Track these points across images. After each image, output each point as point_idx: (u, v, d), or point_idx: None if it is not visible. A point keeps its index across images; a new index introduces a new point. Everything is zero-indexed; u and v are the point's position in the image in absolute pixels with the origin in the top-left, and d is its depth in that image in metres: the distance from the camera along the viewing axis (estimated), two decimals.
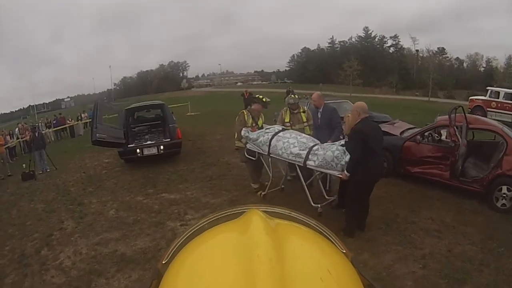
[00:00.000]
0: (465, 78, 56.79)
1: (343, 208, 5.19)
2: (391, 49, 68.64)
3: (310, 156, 5.01)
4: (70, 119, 22.84)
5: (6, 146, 13.56)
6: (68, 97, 71.84)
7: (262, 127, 6.31)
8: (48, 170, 10.41)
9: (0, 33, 69.27)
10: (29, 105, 61.14)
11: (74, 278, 4.28)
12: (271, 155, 5.60)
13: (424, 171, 6.58)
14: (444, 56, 61.13)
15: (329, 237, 1.40)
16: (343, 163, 4.59)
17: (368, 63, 58.89)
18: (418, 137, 6.86)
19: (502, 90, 19.78)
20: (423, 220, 5.14)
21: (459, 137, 6.07)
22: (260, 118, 6.40)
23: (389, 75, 56.86)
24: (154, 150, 9.08)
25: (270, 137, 5.61)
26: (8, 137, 15.39)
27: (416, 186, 6.51)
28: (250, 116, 6.23)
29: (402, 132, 7.60)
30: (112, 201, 6.85)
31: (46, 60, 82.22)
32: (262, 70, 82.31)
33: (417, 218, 5.22)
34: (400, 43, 67.47)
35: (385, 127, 7.58)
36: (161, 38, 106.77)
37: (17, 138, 16.50)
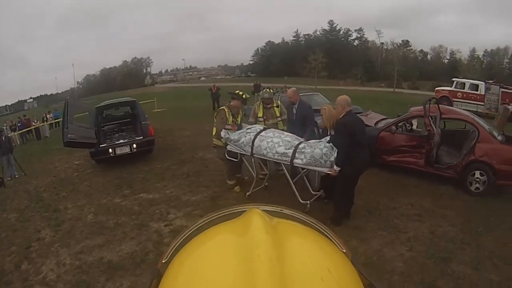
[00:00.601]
0: (429, 69, 59.17)
1: (326, 199, 5.33)
2: (356, 42, 70.40)
3: (297, 155, 4.96)
4: (35, 121, 21.91)
5: None
6: (30, 98, 69.17)
7: (240, 124, 6.27)
8: (17, 176, 9.85)
9: None
10: None
11: None
12: (254, 155, 5.51)
13: (400, 160, 6.81)
14: (408, 48, 63.43)
15: (329, 237, 1.42)
16: (332, 159, 4.59)
17: (333, 56, 60.11)
18: (393, 127, 7.08)
19: (468, 81, 20.83)
20: (403, 206, 5.37)
21: (433, 126, 6.31)
22: (239, 115, 6.28)
23: (354, 68, 58.33)
24: (127, 149, 8.78)
25: (252, 137, 5.49)
26: None
27: (393, 175, 6.73)
28: (230, 113, 6.08)
29: (376, 123, 7.80)
30: (89, 205, 6.57)
31: (6, 60, 77.89)
32: (226, 65, 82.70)
33: (398, 204, 5.44)
34: (364, 36, 69.55)
35: None
36: (125, 34, 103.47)
37: None
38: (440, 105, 6.91)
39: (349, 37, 70.79)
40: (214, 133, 6.18)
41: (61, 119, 9.22)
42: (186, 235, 1.44)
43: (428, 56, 65.20)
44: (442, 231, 4.60)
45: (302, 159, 4.89)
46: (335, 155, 4.55)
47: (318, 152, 4.73)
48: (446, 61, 63.35)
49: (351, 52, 67.05)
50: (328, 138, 4.90)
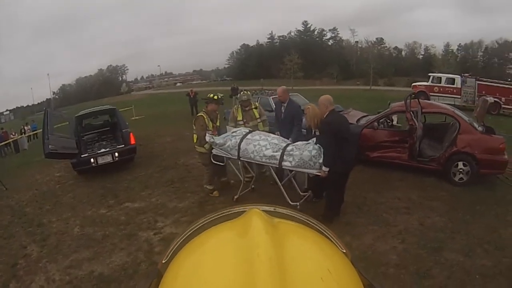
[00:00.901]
0: (404, 66, 60.18)
1: (315, 198, 5.37)
2: (330, 42, 71.20)
3: (285, 157, 4.94)
4: (13, 133, 21.28)
5: None
6: (6, 110, 66.83)
7: (219, 126, 6.27)
8: None
9: None
10: None
11: None
12: (241, 159, 5.46)
13: (383, 155, 6.94)
14: (382, 46, 64.49)
15: (329, 237, 1.42)
16: (321, 161, 4.60)
17: (308, 56, 60.46)
18: (375, 123, 7.20)
19: (444, 76, 21.37)
20: (390, 200, 5.47)
21: (415, 121, 6.45)
22: (217, 119, 6.28)
23: (329, 67, 58.80)
24: (109, 158, 8.59)
25: (238, 140, 5.44)
26: None
27: (377, 170, 6.84)
28: (209, 118, 6.04)
29: (358, 120, 7.90)
30: (74, 217, 6.36)
31: None
32: (201, 69, 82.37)
33: (385, 199, 5.54)
34: (339, 35, 70.31)
35: None
36: (99, 42, 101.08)
37: None
38: (420, 100, 7.08)
39: (324, 37, 71.47)
40: (195, 140, 6.12)
41: (40, 130, 8.91)
42: (186, 236, 1.44)
43: (403, 53, 66.47)
44: (431, 222, 4.72)
45: (290, 162, 4.89)
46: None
47: (307, 155, 4.73)
48: (421, 56, 64.62)
49: (326, 52, 67.64)
50: (315, 140, 4.91)
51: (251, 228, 1.13)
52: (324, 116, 4.61)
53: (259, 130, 5.95)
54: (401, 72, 56.14)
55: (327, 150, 4.48)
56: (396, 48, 65.67)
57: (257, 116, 6.34)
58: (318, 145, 4.74)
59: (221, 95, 6.43)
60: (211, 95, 6.26)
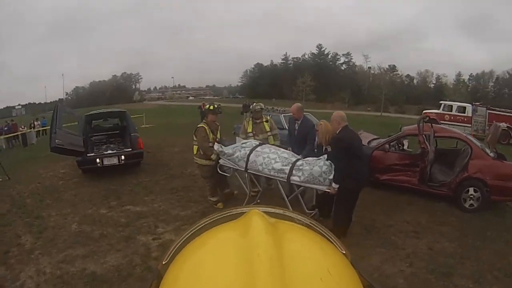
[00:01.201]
0: (415, 94, 60.55)
1: (321, 217, 5.19)
2: (344, 66, 71.83)
3: (294, 172, 4.80)
4: (22, 126, 21.51)
5: None
6: (19, 104, 67.90)
7: (221, 139, 6.16)
8: (0, 180, 9.52)
9: None
10: None
11: None
12: (248, 170, 5.33)
13: (393, 178, 6.77)
14: (395, 73, 64.85)
15: (329, 238, 1.41)
16: (331, 177, 4.46)
17: (321, 79, 61.18)
18: (386, 146, 7.07)
19: (455, 104, 21.28)
20: (399, 223, 5.30)
21: (427, 144, 6.31)
22: (218, 131, 6.14)
23: (342, 91, 59.14)
24: (115, 160, 8.56)
25: (248, 152, 5.34)
26: None
27: (386, 193, 6.67)
28: (210, 130, 5.91)
29: (369, 142, 7.77)
30: (73, 214, 6.28)
31: None
32: (214, 85, 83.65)
33: (393, 221, 5.37)
34: (352, 60, 71.14)
35: None
36: (115, 49, 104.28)
37: None
38: (432, 124, 6.97)
39: (337, 61, 72.46)
40: (195, 151, 6.02)
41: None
42: (187, 236, 1.43)
43: (415, 81, 66.97)
44: (440, 247, 4.56)
45: (299, 176, 4.75)
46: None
47: (317, 170, 4.59)
48: (432, 85, 65.07)
49: (339, 76, 68.35)
50: (326, 156, 4.77)
51: (251, 228, 1.13)
52: (337, 132, 4.49)
53: (269, 143, 5.87)
54: (412, 100, 56.34)
55: (338, 166, 4.36)
56: (408, 76, 66.16)
57: (268, 129, 6.28)
58: (329, 161, 4.59)
59: (218, 104, 6.41)
60: (207, 106, 6.28)
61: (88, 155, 8.45)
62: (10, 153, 16.33)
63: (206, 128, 5.89)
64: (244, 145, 5.59)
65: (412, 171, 6.62)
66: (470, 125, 19.23)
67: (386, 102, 51.38)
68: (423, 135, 6.37)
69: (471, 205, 5.80)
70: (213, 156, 5.73)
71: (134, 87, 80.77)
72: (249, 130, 6.27)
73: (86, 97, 71.36)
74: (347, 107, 54.77)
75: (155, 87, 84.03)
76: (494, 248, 4.46)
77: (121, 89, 75.29)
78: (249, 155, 5.29)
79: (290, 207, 5.08)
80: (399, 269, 3.99)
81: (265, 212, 1.34)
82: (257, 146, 5.48)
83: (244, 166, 5.31)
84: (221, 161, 5.68)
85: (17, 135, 20.24)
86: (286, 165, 4.91)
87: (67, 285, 3.98)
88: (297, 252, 1.08)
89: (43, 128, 22.71)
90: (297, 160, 4.99)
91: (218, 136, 6.11)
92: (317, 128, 5.12)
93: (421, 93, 60.24)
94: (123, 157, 8.60)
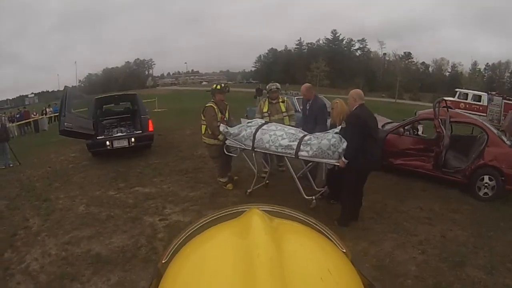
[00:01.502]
0: (430, 82, 59.25)
1: (332, 199, 5.11)
2: (358, 52, 70.51)
3: (302, 147, 4.67)
4: (34, 113, 21.76)
5: None
6: (32, 93, 68.83)
7: (230, 119, 6.08)
8: (12, 165, 9.58)
9: None
10: None
11: (43, 284, 3.69)
12: (256, 149, 5.21)
13: (406, 163, 6.59)
14: (410, 60, 63.51)
15: (329, 237, 1.40)
16: (340, 150, 4.32)
17: (335, 65, 60.43)
18: (401, 129, 6.89)
19: (471, 92, 20.80)
20: (412, 209, 5.15)
21: (443, 128, 6.09)
22: (227, 110, 6.05)
23: (356, 77, 58.23)
24: (125, 143, 8.55)
25: (254, 130, 5.23)
26: None
27: (399, 178, 6.51)
28: (218, 109, 5.83)
29: (383, 126, 7.58)
30: (81, 196, 6.30)
31: (9, 56, 77.69)
32: (228, 70, 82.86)
33: (406, 207, 5.22)
34: (367, 46, 69.63)
35: None
36: (128, 36, 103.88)
37: None
38: (449, 109, 6.72)
39: (352, 47, 71.15)
40: (203, 131, 5.91)
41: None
42: (186, 235, 1.43)
43: (430, 69, 65.47)
44: (453, 235, 4.40)
45: (308, 151, 4.61)
46: (343, 146, 4.30)
47: (325, 143, 4.44)
48: (448, 73, 63.57)
49: (353, 62, 67.22)
50: (336, 130, 4.63)
51: (251, 228, 1.13)
52: (353, 109, 4.36)
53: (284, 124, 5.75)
54: (427, 88, 55.23)
55: (351, 142, 4.20)
56: (423, 63, 64.61)
57: (284, 110, 6.18)
58: (338, 135, 4.46)
59: (225, 83, 6.33)
60: (215, 86, 6.14)
61: (98, 138, 8.45)
62: (22, 140, 16.53)
63: (215, 107, 5.80)
64: (249, 124, 5.50)
65: (426, 156, 6.44)
66: (485, 114, 18.75)
67: (400, 89, 50.45)
68: (439, 119, 6.13)
69: (486, 193, 5.58)
70: (220, 137, 5.64)
71: (147, 73, 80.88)
72: (265, 110, 6.20)
73: (99, 83, 71.63)
74: None
75: (168, 73, 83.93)
76: (507, 239, 4.28)
77: (134, 75, 75.46)
78: (255, 133, 5.18)
79: (299, 185, 5.04)
80: (411, 256, 3.86)
81: (265, 210, 1.33)
82: (263, 124, 5.38)
83: (251, 145, 5.20)
84: (227, 142, 5.59)
85: (29, 122, 20.45)
86: (293, 141, 4.80)
87: (71, 266, 3.97)
88: (297, 252, 1.08)
89: (55, 115, 22.85)
90: (305, 135, 4.89)
91: (227, 116, 6.02)
92: (332, 107, 4.99)
93: (436, 81, 58.87)
94: (133, 139, 8.59)
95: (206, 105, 5.92)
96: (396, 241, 4.18)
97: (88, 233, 4.75)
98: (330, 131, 4.73)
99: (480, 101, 19.59)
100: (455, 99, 20.46)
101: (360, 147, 4.12)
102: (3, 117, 18.06)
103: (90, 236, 4.67)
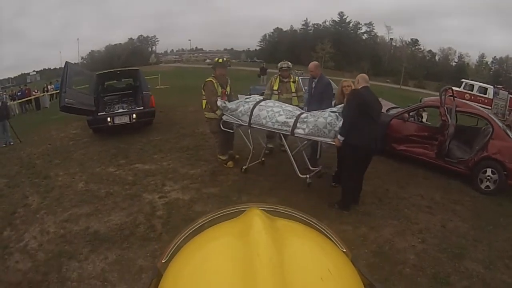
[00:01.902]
0: (436, 70, 58.19)
1: (334, 183, 5.15)
2: (365, 36, 69.35)
3: (298, 124, 4.70)
4: (36, 91, 21.58)
5: None
6: (33, 71, 67.97)
7: (231, 94, 6.10)
8: (12, 143, 9.58)
9: None
10: None
11: (41, 262, 3.70)
12: (252, 125, 5.24)
13: (409, 149, 6.54)
14: (417, 47, 62.43)
15: (330, 236, 1.41)
16: (336, 129, 4.33)
17: (341, 47, 59.58)
18: (405, 115, 6.78)
19: (477, 84, 20.59)
20: (413, 197, 5.12)
21: (448, 117, 5.99)
22: (228, 85, 6.03)
23: (361, 61, 57.55)
24: (126, 119, 8.48)
25: (251, 106, 5.25)
26: None
27: (401, 164, 6.47)
28: (218, 84, 5.80)
29: (387, 110, 7.50)
30: (81, 173, 6.29)
31: (9, 33, 76.42)
32: (232, 49, 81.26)
33: (407, 194, 5.20)
34: (374, 30, 68.28)
35: None
36: (131, 12, 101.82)
37: None
38: (455, 98, 6.61)
39: (358, 30, 69.87)
40: (204, 106, 5.93)
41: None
42: (186, 235, 1.44)
43: (436, 57, 64.34)
44: (453, 225, 4.36)
45: (304, 129, 4.64)
46: (340, 125, 4.31)
47: (321, 121, 4.46)
48: (454, 63, 62.50)
49: (359, 46, 66.03)
50: (335, 109, 4.62)
51: (251, 227, 1.13)
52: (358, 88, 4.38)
53: (293, 104, 5.75)
54: (432, 76, 54.40)
55: (346, 118, 4.23)
56: (430, 51, 63.50)
57: (293, 90, 6.20)
58: (335, 113, 4.49)
59: (227, 57, 6.28)
60: (216, 59, 6.18)
61: (99, 114, 8.39)
62: (23, 118, 16.46)
63: (214, 82, 5.78)
64: (248, 99, 5.54)
65: (430, 144, 6.35)
66: (490, 107, 18.52)
67: (405, 76, 49.88)
68: (445, 108, 6.03)
69: (487, 187, 5.50)
70: (218, 112, 5.63)
71: (150, 49, 79.54)
72: (275, 87, 6.21)
73: (101, 60, 70.50)
74: None
75: (172, 50, 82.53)
76: (507, 235, 4.23)
77: (137, 52, 74.44)
78: (252, 109, 5.20)
79: (294, 163, 5.12)
80: (410, 244, 3.84)
81: (265, 210, 1.33)
82: (261, 100, 5.44)
83: (248, 120, 5.23)
84: (224, 117, 5.59)
85: (30, 99, 20.29)
86: (290, 118, 4.83)
87: (69, 244, 3.98)
88: (297, 252, 1.08)
89: (56, 92, 22.69)
90: (302, 113, 4.93)
91: (228, 90, 6.00)
92: (344, 85, 4.97)
93: (442, 70, 57.96)
94: (134, 115, 8.52)
95: (206, 80, 5.90)
96: (396, 228, 4.16)
97: (87, 211, 4.75)
98: (327, 109, 4.70)
99: (485, 94, 19.42)
100: (461, 89, 20.25)
101: (356, 123, 4.11)
102: (4, 95, 17.97)
103: (88, 213, 4.67)
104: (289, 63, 6.24)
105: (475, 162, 5.67)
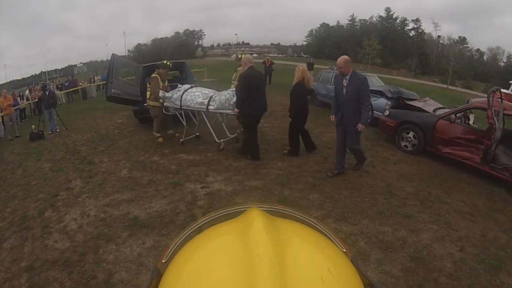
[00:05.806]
0: (484, 71, 54.79)
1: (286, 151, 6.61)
2: (412, 33, 66.63)
3: (210, 103, 6.49)
4: (82, 81, 22.59)
5: (16, 107, 13.03)
6: (80, 63, 70.98)
7: (168, 86, 7.83)
8: (58, 130, 10.13)
9: (10, 0, 67.25)
10: (41, 72, 60.17)
11: (79, 243, 3.87)
12: (182, 107, 6.94)
13: (454, 152, 6.28)
14: (464, 46, 59.10)
15: (330, 236, 1.40)
16: (232, 103, 6.15)
17: (387, 44, 57.98)
18: (453, 116, 6.50)
19: None
20: (455, 202, 4.90)
21: (495, 120, 5.67)
22: (166, 80, 7.73)
23: (408, 58, 55.47)
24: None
25: (181, 93, 6.95)
26: (18, 99, 14.78)
27: (445, 167, 6.24)
28: (161, 79, 7.37)
29: (434, 110, 7.29)
30: (125, 160, 6.56)
31: (58, 26, 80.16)
32: (279, 43, 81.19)
33: (450, 199, 4.98)
34: (421, 27, 65.41)
35: (418, 104, 7.68)
36: (178, 5, 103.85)
37: (27, 100, 16.13)
38: (504, 100, 6.23)
39: (406, 27, 67.29)
40: (148, 96, 7.45)
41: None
42: (186, 235, 1.45)
43: (484, 57, 60.45)
44: (494, 236, 4.10)
45: (213, 105, 6.47)
46: (234, 100, 6.07)
47: (223, 98, 6.34)
48: (503, 64, 58.52)
49: (406, 42, 63.63)
50: (233, 89, 6.65)
51: (251, 227, 1.13)
52: (243, 71, 5.97)
53: None
54: (481, 77, 51.30)
55: (238, 94, 5.94)
56: (478, 50, 59.86)
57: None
58: (232, 91, 6.32)
59: (170, 61, 8.04)
60: (165, 62, 7.83)
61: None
62: (70, 106, 17.19)
63: (158, 78, 7.35)
64: (179, 88, 7.32)
65: (475, 148, 6.07)
66: None
67: (453, 75, 47.45)
68: (492, 110, 5.71)
69: None
70: (161, 100, 7.26)
71: (196, 43, 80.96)
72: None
73: (148, 53, 72.25)
74: (413, 76, 51.41)
75: (219, 44, 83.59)
76: None
77: (183, 46, 75.72)
78: (182, 95, 6.92)
79: (212, 131, 7.00)
80: (448, 251, 3.68)
81: (265, 210, 1.34)
82: (188, 88, 7.18)
83: (179, 103, 6.93)
84: (165, 104, 7.29)
85: (77, 89, 21.24)
86: (205, 99, 6.63)
87: (108, 228, 4.14)
88: (297, 252, 1.08)
89: (103, 82, 23.59)
90: (214, 95, 6.69)
91: (166, 84, 7.70)
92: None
93: (490, 71, 54.37)
94: None
95: (152, 75, 7.49)
96: (436, 234, 4.01)
97: (129, 197, 4.92)
98: (228, 90, 6.60)
99: None
100: (509, 91, 18.93)
101: (246, 98, 5.79)
102: (51, 85, 18.94)
103: (130, 199, 4.84)
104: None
105: None
